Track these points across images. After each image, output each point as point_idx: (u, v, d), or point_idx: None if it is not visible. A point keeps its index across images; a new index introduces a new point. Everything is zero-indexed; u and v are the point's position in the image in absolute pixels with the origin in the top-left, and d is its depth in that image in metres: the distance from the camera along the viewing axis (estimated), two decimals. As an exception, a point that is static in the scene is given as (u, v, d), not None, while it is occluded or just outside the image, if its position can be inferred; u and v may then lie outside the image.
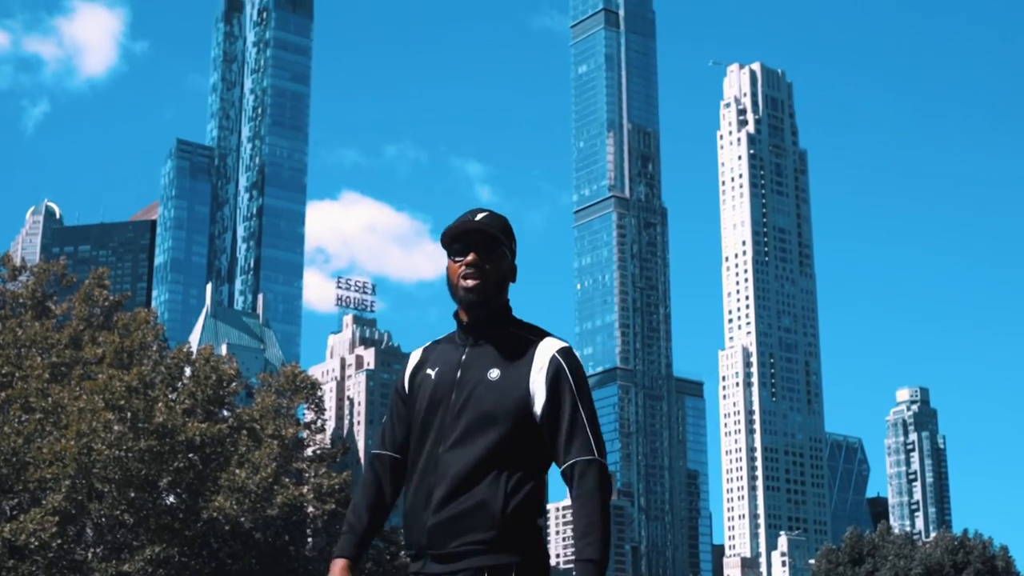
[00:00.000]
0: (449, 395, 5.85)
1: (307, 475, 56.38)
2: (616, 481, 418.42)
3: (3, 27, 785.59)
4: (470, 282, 5.83)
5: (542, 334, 5.92)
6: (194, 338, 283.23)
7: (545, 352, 5.81)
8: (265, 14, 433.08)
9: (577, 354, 5.86)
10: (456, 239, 5.93)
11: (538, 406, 5.74)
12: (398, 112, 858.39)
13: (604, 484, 5.63)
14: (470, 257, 5.86)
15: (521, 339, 5.88)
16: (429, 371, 5.98)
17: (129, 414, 45.86)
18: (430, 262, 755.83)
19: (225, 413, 53.39)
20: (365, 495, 6.13)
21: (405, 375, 6.14)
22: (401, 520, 6.03)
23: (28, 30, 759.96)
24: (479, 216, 5.93)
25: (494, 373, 5.79)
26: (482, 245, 5.87)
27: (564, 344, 5.85)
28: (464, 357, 5.90)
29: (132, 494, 45.75)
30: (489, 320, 5.91)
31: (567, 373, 5.76)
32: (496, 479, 5.65)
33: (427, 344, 6.21)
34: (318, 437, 60.87)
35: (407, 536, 5.90)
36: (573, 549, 5.62)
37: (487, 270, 5.86)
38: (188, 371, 53.56)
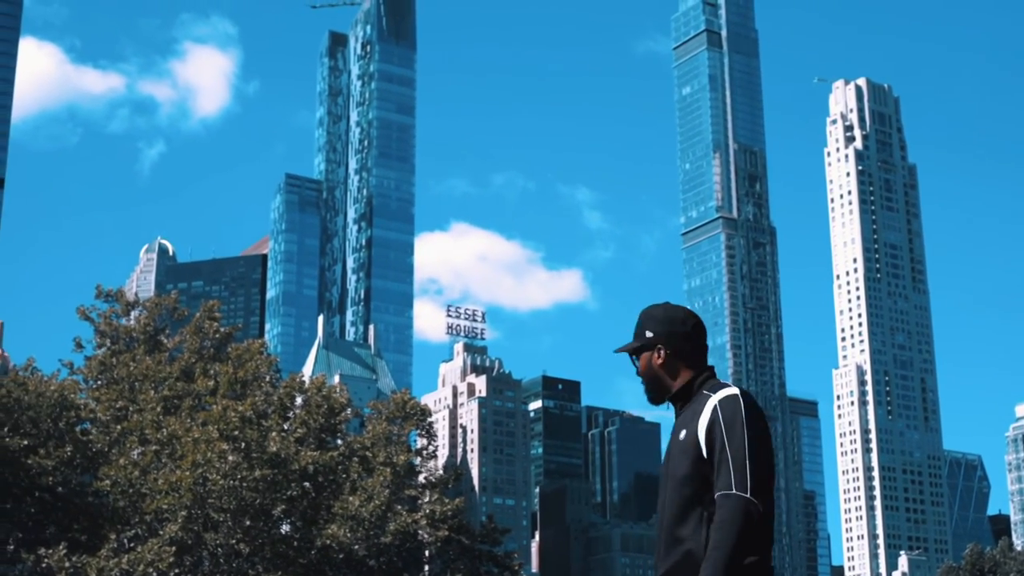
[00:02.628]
0: (665, 462, 6.74)
1: (420, 502, 56.30)
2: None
3: (118, 70, 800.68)
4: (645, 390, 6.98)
5: (721, 387, 6.73)
6: (307, 370, 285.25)
7: (710, 404, 6.57)
8: (368, 47, 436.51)
9: (742, 397, 6.55)
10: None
11: (705, 453, 6.44)
12: (504, 140, 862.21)
13: (734, 514, 6.20)
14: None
15: (703, 397, 6.66)
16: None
17: (243, 444, 46.21)
18: (543, 290, 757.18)
19: (337, 441, 53.62)
20: None
21: None
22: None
23: (143, 73, 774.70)
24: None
25: (682, 434, 6.65)
26: (634, 352, 6.96)
27: (730, 392, 6.60)
28: (674, 425, 6.87)
29: (247, 523, 46.08)
30: (678, 396, 6.82)
31: (719, 416, 6.46)
32: (696, 531, 6.35)
33: None
34: (430, 464, 60.90)
35: None
36: None
37: (643, 373, 6.91)
38: (300, 400, 53.90)
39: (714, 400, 6.52)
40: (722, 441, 6.35)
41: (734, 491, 6.19)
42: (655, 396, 6.92)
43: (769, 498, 6.35)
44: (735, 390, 6.58)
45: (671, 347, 6.90)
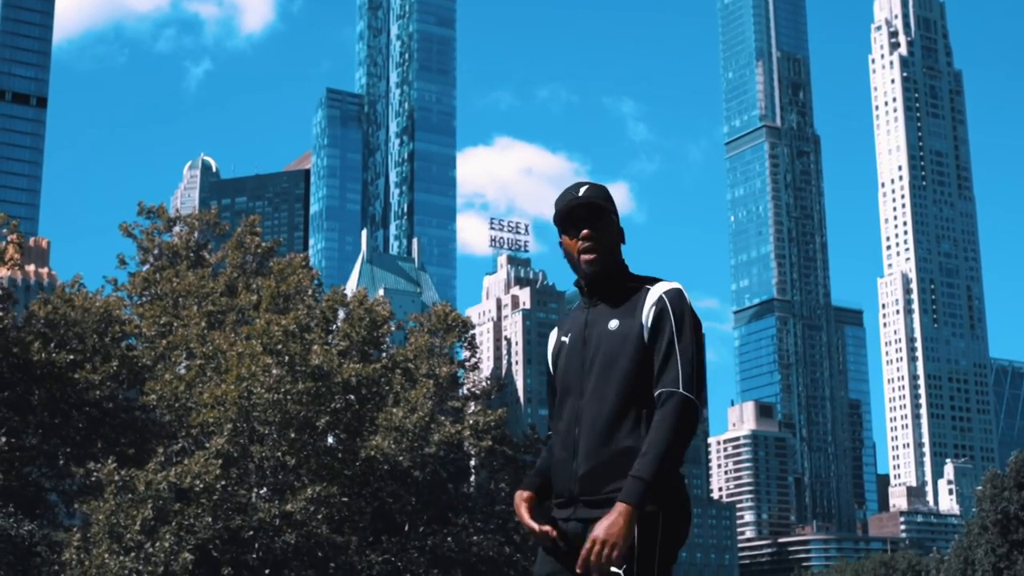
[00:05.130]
0: (581, 352, 6.23)
1: (463, 413, 56.60)
2: (777, 413, 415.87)
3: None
4: (590, 255, 6.22)
5: (654, 281, 6.25)
6: (351, 284, 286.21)
7: (654, 294, 6.16)
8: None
9: (686, 294, 6.20)
10: (567, 216, 6.26)
11: (648, 345, 6.08)
12: (546, 53, 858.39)
13: (682, 415, 5.85)
14: (584, 232, 6.21)
15: (635, 289, 6.24)
16: (564, 338, 6.39)
17: (286, 357, 46.56)
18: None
19: (380, 354, 53.92)
20: (542, 459, 6.48)
21: (548, 355, 6.58)
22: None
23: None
24: (582, 190, 6.26)
25: (613, 323, 6.16)
26: (591, 217, 6.22)
27: (674, 285, 6.20)
28: (588, 316, 6.29)
29: (292, 435, 46.55)
30: (607, 280, 6.27)
31: (669, 310, 6.09)
32: (636, 426, 5.99)
33: (558, 321, 6.59)
34: (472, 375, 61.16)
35: (556, 485, 6.24)
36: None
37: (601, 241, 6.22)
38: (342, 314, 54.18)
39: (658, 291, 6.18)
40: (671, 335, 6.04)
41: (681, 390, 5.91)
42: (602, 277, 6.29)
43: (703, 400, 6.05)
44: (678, 284, 6.24)
45: (619, 228, 6.44)
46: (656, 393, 5.97)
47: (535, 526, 6.14)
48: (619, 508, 5.71)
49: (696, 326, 6.13)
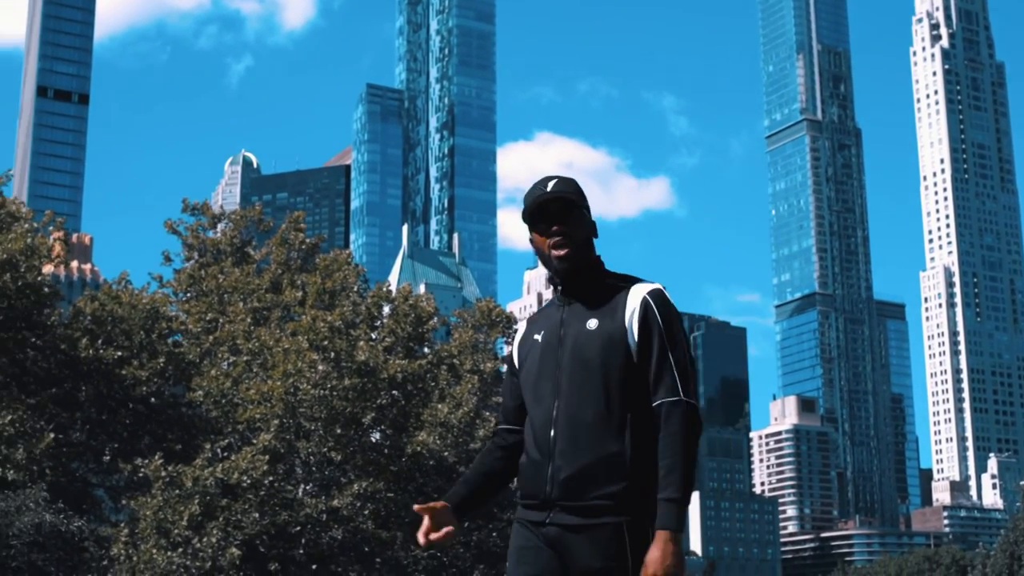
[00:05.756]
0: (556, 352, 5.95)
1: (508, 408, 56.37)
2: (819, 407, 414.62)
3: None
4: (561, 251, 5.96)
5: (633, 280, 6.02)
6: (392, 279, 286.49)
7: (636, 296, 5.90)
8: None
9: (668, 294, 5.97)
10: (537, 212, 6.03)
11: (634, 349, 5.82)
12: (585, 47, 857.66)
13: (689, 424, 5.68)
14: (555, 228, 5.97)
15: (614, 288, 5.98)
16: (536, 336, 6.11)
17: (332, 353, 46.63)
18: (631, 198, 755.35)
19: (424, 350, 53.95)
20: (483, 460, 6.29)
21: (514, 349, 6.31)
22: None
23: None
24: (550, 185, 6.03)
25: (592, 323, 5.90)
26: (563, 213, 5.97)
27: (655, 286, 5.94)
28: (564, 315, 6.03)
29: (338, 431, 46.61)
30: (581, 277, 6.00)
31: (656, 314, 5.85)
32: (621, 431, 5.77)
33: (529, 315, 6.37)
34: (516, 370, 61.03)
35: (526, 486, 5.98)
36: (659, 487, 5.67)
37: (573, 236, 5.96)
38: (387, 310, 54.24)
39: (640, 292, 5.92)
40: (662, 341, 5.82)
41: (683, 397, 5.71)
42: (575, 273, 6.03)
43: (698, 398, 5.88)
44: (659, 284, 6.00)
45: (592, 222, 6.19)
46: (657, 403, 5.76)
47: (421, 538, 5.91)
48: (664, 536, 5.54)
49: (682, 326, 5.93)
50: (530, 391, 6.06)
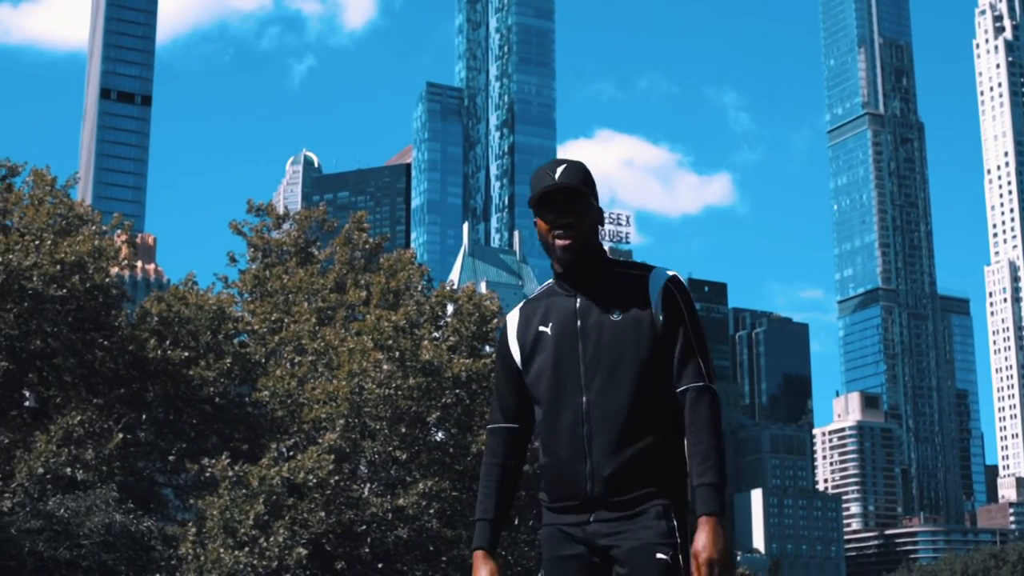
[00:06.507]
0: (576, 345, 5.77)
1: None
2: (883, 403, 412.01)
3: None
4: (566, 241, 5.81)
5: (647, 268, 5.90)
6: (453, 277, 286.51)
7: (657, 282, 5.78)
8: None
9: (683, 280, 5.93)
10: (542, 200, 5.91)
11: (660, 336, 5.72)
12: (645, 44, 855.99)
13: (717, 409, 5.64)
14: (560, 220, 5.83)
15: (629, 276, 5.85)
16: (543, 328, 5.89)
17: (397, 353, 46.75)
18: (693, 195, 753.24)
19: (488, 349, 53.98)
20: (489, 479, 6.08)
21: (508, 341, 6.07)
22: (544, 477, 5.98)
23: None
24: (558, 172, 5.93)
25: (615, 315, 5.75)
26: (568, 202, 5.85)
27: (672, 273, 5.84)
28: (578, 305, 5.84)
29: (403, 431, 46.73)
30: (588, 266, 5.86)
31: (679, 301, 5.76)
32: (657, 422, 5.68)
33: (520, 305, 6.14)
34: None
35: (559, 489, 5.81)
36: (693, 474, 5.61)
37: (577, 225, 5.82)
38: (451, 309, 54.32)
39: (661, 279, 5.80)
40: (686, 327, 5.73)
41: (707, 383, 5.67)
42: (578, 263, 5.86)
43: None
44: (673, 271, 5.86)
45: (598, 209, 6.02)
46: (682, 388, 5.66)
47: None
48: (710, 521, 5.43)
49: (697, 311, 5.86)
50: (546, 386, 5.84)
